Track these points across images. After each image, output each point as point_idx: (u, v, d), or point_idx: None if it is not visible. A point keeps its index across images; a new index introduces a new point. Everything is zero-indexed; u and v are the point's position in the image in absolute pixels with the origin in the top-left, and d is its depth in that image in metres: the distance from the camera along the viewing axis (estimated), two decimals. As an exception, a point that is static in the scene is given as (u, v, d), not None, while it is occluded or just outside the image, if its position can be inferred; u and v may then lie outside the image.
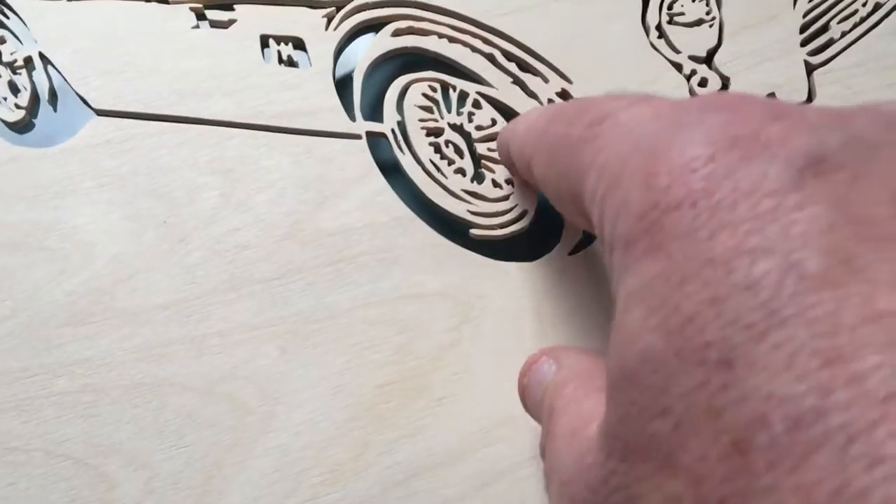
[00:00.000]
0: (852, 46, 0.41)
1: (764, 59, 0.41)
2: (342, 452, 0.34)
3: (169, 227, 0.37)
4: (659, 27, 0.41)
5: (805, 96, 0.40)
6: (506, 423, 0.34)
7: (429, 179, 0.39)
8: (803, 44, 0.41)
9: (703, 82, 0.40)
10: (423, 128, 0.40)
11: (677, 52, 0.41)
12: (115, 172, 0.38)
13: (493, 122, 0.40)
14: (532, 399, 0.30)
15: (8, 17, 0.41)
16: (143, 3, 0.42)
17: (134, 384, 0.35)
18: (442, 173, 0.39)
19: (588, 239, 0.38)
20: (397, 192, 0.38)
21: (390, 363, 0.35)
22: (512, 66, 0.40)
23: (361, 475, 0.33)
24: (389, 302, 0.36)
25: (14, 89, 0.40)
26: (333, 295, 0.36)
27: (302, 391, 0.35)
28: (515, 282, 0.37)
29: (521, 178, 0.38)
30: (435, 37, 0.41)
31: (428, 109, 0.40)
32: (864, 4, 0.42)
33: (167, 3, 0.42)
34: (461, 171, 0.39)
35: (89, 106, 0.39)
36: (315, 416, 0.34)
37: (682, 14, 0.41)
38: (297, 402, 0.34)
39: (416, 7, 0.42)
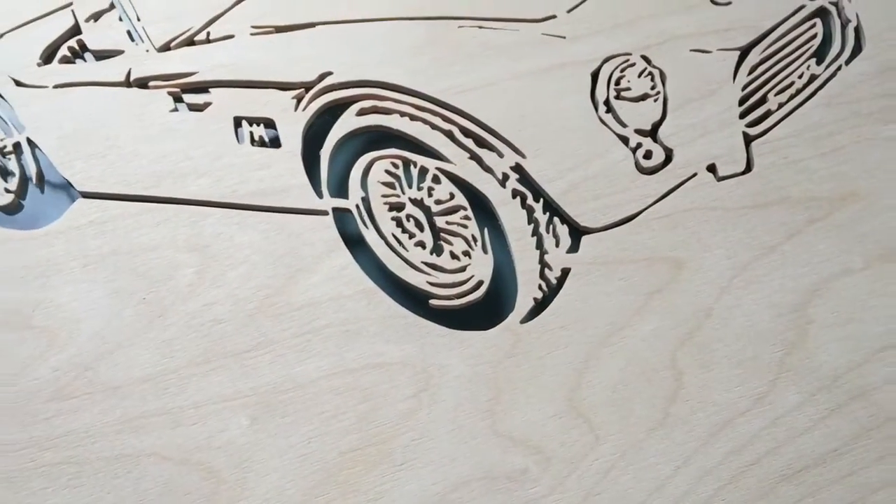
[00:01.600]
0: (788, 117, 0.43)
1: (705, 131, 0.42)
2: (310, 517, 0.35)
3: (148, 304, 0.39)
4: (607, 102, 0.43)
5: (744, 166, 0.42)
6: (461, 487, 0.36)
7: (391, 252, 0.40)
8: (742, 116, 0.43)
9: (647, 154, 0.41)
10: (385, 203, 0.41)
11: (624, 125, 0.42)
12: (98, 252, 0.40)
13: (452, 196, 0.41)
14: None
15: (-2, 105, 0.43)
16: (124, 88, 0.43)
17: (115, 456, 0.36)
18: (403, 246, 0.40)
19: (539, 308, 0.39)
20: (361, 266, 0.40)
21: (354, 431, 0.36)
22: (469, 142, 0.42)
23: (327, 539, 0.35)
24: (353, 372, 0.37)
25: (4, 174, 0.41)
26: (301, 366, 0.38)
27: (271, 459, 0.36)
28: (472, 350, 0.38)
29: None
30: (397, 115, 0.42)
31: (390, 185, 0.41)
32: (800, 76, 0.44)
33: (146, 87, 0.43)
34: (421, 244, 0.40)
35: (74, 188, 0.41)
36: (283, 482, 0.36)
37: (628, 89, 0.43)
38: (267, 470, 0.36)
39: (379, 87, 0.43)
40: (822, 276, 0.39)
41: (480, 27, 0.44)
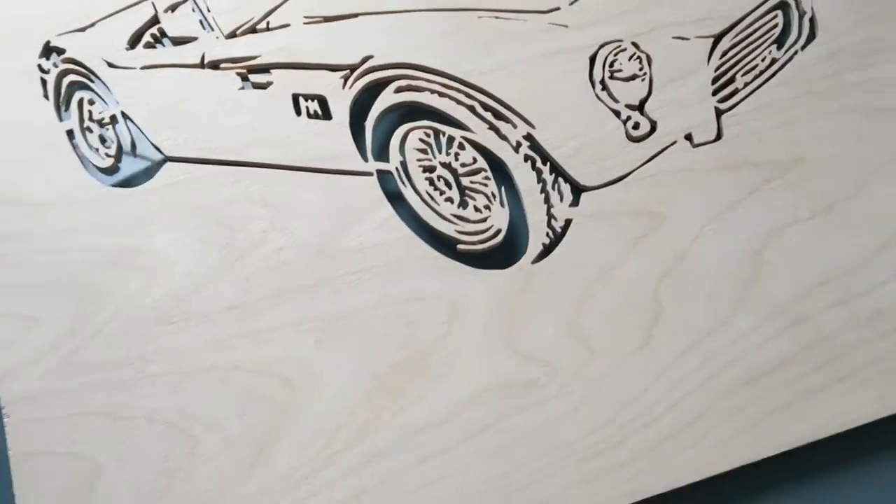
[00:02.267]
0: (752, 95, 0.51)
1: (683, 106, 0.50)
2: (365, 415, 0.44)
3: (229, 248, 0.47)
4: (602, 81, 0.51)
5: (714, 135, 0.50)
6: (485, 392, 0.44)
7: (425, 206, 0.48)
8: (714, 93, 0.51)
9: (636, 126, 0.50)
10: (420, 166, 0.49)
11: (616, 101, 0.50)
12: (186, 206, 0.48)
13: (474, 160, 0.49)
14: None
15: (93, 82, 0.51)
16: (199, 69, 0.51)
17: (207, 367, 0.45)
18: (435, 201, 0.48)
19: (546, 251, 0.47)
20: (401, 217, 0.48)
21: (399, 349, 0.45)
22: (488, 115, 0.50)
23: (380, 432, 0.43)
24: (397, 302, 0.46)
25: (104, 141, 0.50)
26: (355, 297, 0.46)
27: (334, 371, 0.45)
28: (492, 285, 0.46)
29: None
30: (428, 92, 0.50)
31: (423, 151, 0.49)
32: (763, 60, 0.52)
33: (218, 68, 0.51)
34: (450, 200, 0.49)
35: (162, 153, 0.49)
36: (343, 389, 0.44)
37: (620, 71, 0.51)
38: (330, 381, 0.44)
39: (413, 69, 0.51)
40: (776, 225, 0.48)
41: (497, 17, 0.52)
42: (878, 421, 0.44)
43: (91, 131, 0.50)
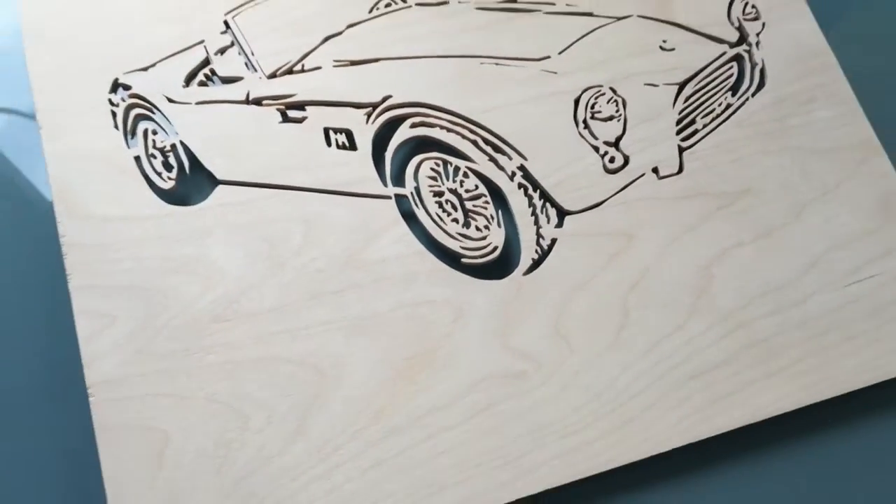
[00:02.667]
0: (709, 135, 0.60)
1: (651, 143, 0.59)
2: (384, 399, 0.53)
3: (272, 259, 0.56)
4: (584, 121, 0.60)
5: (677, 169, 0.59)
6: (482, 381, 0.54)
7: (435, 226, 0.58)
8: (678, 133, 0.60)
9: (612, 160, 0.59)
10: (430, 191, 0.59)
11: (596, 138, 0.59)
12: (236, 223, 0.57)
13: (476, 187, 0.58)
14: None
15: (155, 114, 0.60)
16: (244, 105, 0.60)
17: (255, 358, 0.54)
18: (443, 221, 0.58)
19: (535, 265, 0.57)
20: (415, 234, 0.57)
21: (412, 344, 0.55)
22: (489, 149, 0.59)
23: (396, 413, 0.53)
24: (411, 306, 0.56)
25: (167, 167, 0.59)
26: (377, 301, 0.56)
27: (359, 362, 0.54)
28: (490, 293, 0.56)
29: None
30: (438, 128, 0.59)
31: (434, 178, 0.59)
32: (719, 104, 0.61)
33: (261, 105, 0.60)
34: (456, 220, 0.58)
35: (215, 178, 0.58)
36: (367, 377, 0.54)
37: (599, 112, 0.60)
38: (356, 370, 0.54)
39: (425, 107, 0.60)
40: (724, 246, 0.57)
41: (497, 64, 0.61)
42: (801, 408, 0.54)
43: (155, 157, 0.59)
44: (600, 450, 0.52)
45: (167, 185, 0.58)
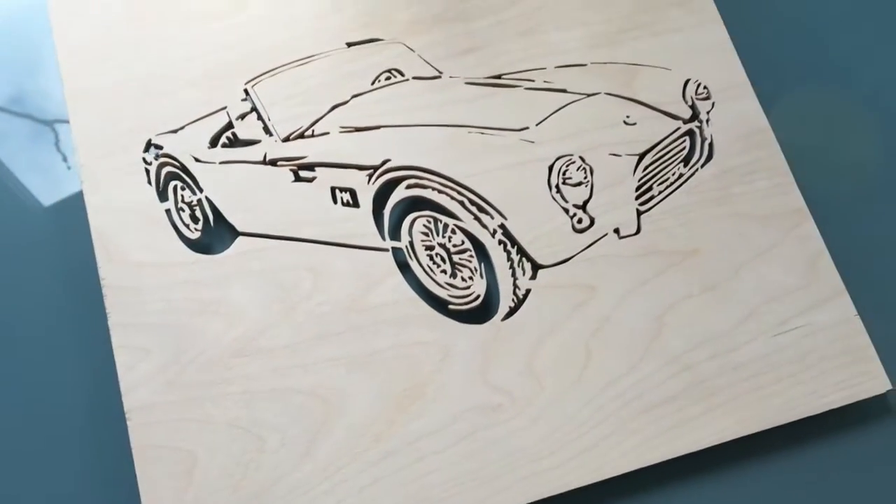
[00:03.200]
0: (664, 200, 0.69)
1: (614, 207, 0.68)
2: (381, 426, 0.62)
3: (285, 302, 0.65)
4: (557, 186, 0.69)
5: (635, 230, 0.68)
6: (464, 412, 0.62)
7: (426, 276, 0.66)
8: (637, 198, 0.69)
9: (580, 221, 0.68)
10: (423, 245, 0.67)
11: (566, 201, 0.68)
12: (254, 269, 0.65)
13: (462, 243, 0.67)
14: None
15: (184, 172, 0.68)
16: (262, 165, 0.69)
17: (271, 389, 0.63)
18: (434, 272, 0.66)
19: (512, 312, 0.66)
20: (409, 284, 0.66)
21: (405, 379, 0.63)
22: (474, 209, 0.67)
23: (391, 438, 0.62)
24: (405, 346, 0.64)
25: (194, 219, 0.67)
26: (375, 341, 0.64)
27: (359, 394, 0.63)
28: (472, 335, 0.65)
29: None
30: (430, 189, 0.68)
31: (426, 234, 0.67)
32: (673, 174, 0.70)
33: (276, 165, 0.69)
34: (444, 272, 0.67)
35: (236, 230, 0.67)
36: (366, 407, 0.62)
37: (570, 178, 0.69)
38: (357, 400, 0.63)
39: (420, 170, 0.68)
40: (675, 298, 0.66)
41: (482, 133, 0.69)
42: (736, 439, 0.63)
43: (183, 211, 0.67)
44: (564, 473, 0.61)
45: (194, 235, 0.67)
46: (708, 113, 0.72)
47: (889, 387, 0.64)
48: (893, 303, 0.69)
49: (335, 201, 0.67)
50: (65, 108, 0.68)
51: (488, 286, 0.66)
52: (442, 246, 0.67)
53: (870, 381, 0.65)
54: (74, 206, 0.67)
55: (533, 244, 0.67)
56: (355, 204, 0.67)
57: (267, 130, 0.69)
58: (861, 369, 0.65)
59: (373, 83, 0.71)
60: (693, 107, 0.72)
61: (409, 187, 0.67)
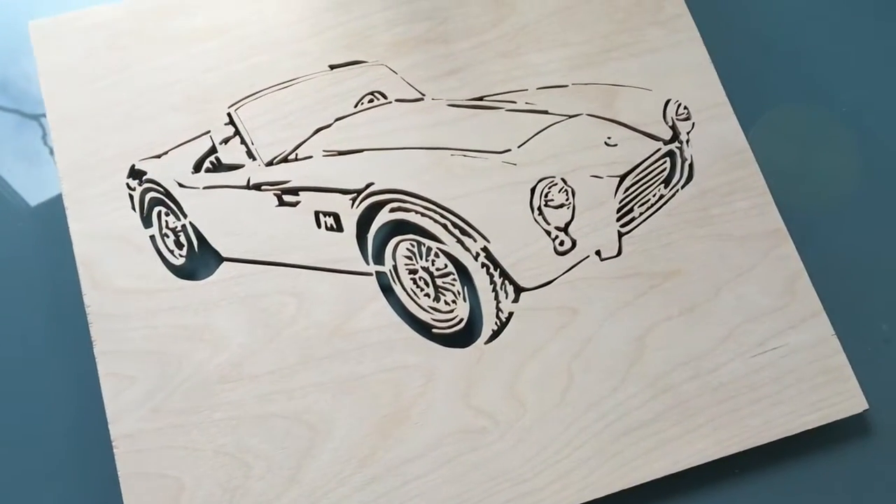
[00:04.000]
0: (645, 222, 0.70)
1: (595, 229, 0.69)
2: (366, 451, 0.62)
3: (269, 327, 0.65)
4: (539, 208, 0.69)
5: (616, 252, 0.69)
6: (448, 435, 0.63)
7: (410, 299, 0.67)
8: (618, 220, 0.69)
9: (561, 243, 0.68)
10: (406, 268, 0.67)
11: (548, 224, 0.68)
12: (238, 295, 0.66)
13: (446, 266, 0.67)
14: None
15: (168, 197, 0.68)
16: (245, 190, 0.69)
17: (255, 415, 0.63)
18: (417, 296, 0.67)
19: (495, 335, 0.66)
20: (392, 308, 0.66)
21: (389, 403, 0.64)
22: (456, 231, 0.68)
23: (375, 462, 0.62)
24: (389, 370, 0.65)
25: (179, 245, 0.67)
26: (359, 366, 0.64)
27: (344, 419, 0.63)
28: (456, 359, 0.65)
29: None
30: (413, 212, 0.68)
31: (409, 258, 0.68)
32: (654, 195, 0.71)
33: (260, 189, 0.69)
34: (428, 295, 0.67)
35: (221, 255, 0.67)
36: (351, 432, 0.63)
37: (552, 200, 0.69)
38: (341, 425, 0.63)
39: (403, 194, 0.68)
40: (655, 320, 0.67)
41: (465, 156, 0.70)
42: (715, 461, 0.64)
43: (168, 237, 0.67)
44: (546, 496, 0.62)
45: (178, 261, 0.67)
46: (688, 133, 0.72)
47: (866, 406, 0.65)
48: (870, 322, 0.70)
49: (319, 226, 0.67)
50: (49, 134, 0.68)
51: (471, 309, 0.66)
52: (425, 270, 0.67)
53: (847, 400, 0.65)
54: (60, 233, 0.66)
55: (515, 267, 0.67)
56: (339, 228, 0.67)
57: (250, 155, 0.69)
58: (838, 389, 0.66)
59: (356, 106, 0.71)
60: (674, 127, 0.72)
61: (392, 211, 0.68)
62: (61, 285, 0.67)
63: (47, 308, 0.67)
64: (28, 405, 0.65)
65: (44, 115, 0.71)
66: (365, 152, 0.70)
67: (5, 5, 0.76)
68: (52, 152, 0.71)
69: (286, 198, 0.68)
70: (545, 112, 0.72)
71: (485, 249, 0.67)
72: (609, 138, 0.71)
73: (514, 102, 0.73)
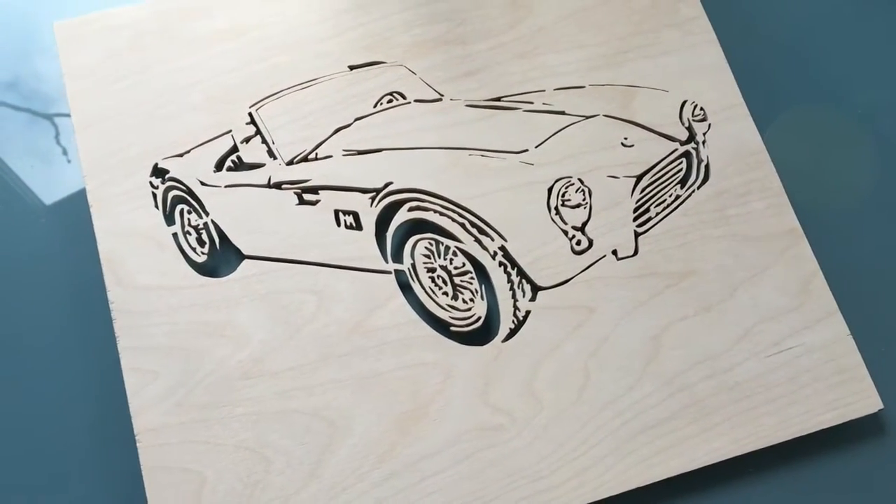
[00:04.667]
0: (661, 222, 0.70)
1: (612, 229, 0.69)
2: (384, 447, 0.63)
3: (290, 324, 0.66)
4: (556, 208, 0.69)
5: (633, 251, 0.69)
6: (466, 432, 0.63)
7: (428, 298, 0.67)
8: (634, 220, 0.69)
9: (578, 242, 0.69)
10: (425, 267, 0.68)
11: (565, 223, 0.69)
12: (259, 293, 0.66)
13: (463, 265, 0.68)
14: None
15: (190, 196, 0.69)
16: (266, 188, 0.69)
17: (276, 411, 0.64)
18: (436, 294, 0.67)
19: (512, 333, 0.66)
20: (411, 305, 0.67)
21: (408, 400, 0.64)
22: (474, 231, 0.68)
23: (394, 458, 0.63)
24: (407, 367, 0.65)
25: (201, 243, 0.68)
26: (378, 363, 0.65)
27: (363, 415, 0.64)
28: (473, 356, 0.66)
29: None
30: (432, 212, 0.68)
31: (428, 256, 0.68)
32: (670, 195, 0.71)
33: (280, 188, 0.69)
34: (446, 294, 0.67)
35: (242, 253, 0.67)
36: (370, 428, 0.63)
37: (569, 200, 0.69)
38: (361, 421, 0.63)
39: (421, 193, 0.69)
40: (671, 319, 0.67)
41: (483, 155, 0.70)
42: (730, 459, 0.64)
43: (190, 234, 0.68)
44: (562, 493, 0.62)
45: (200, 259, 0.67)
46: (704, 134, 0.72)
47: (881, 406, 0.65)
48: (885, 322, 0.70)
49: (339, 224, 0.68)
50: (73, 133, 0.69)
51: (489, 308, 0.66)
52: (443, 268, 0.67)
53: (862, 400, 0.66)
54: (84, 229, 0.67)
55: (533, 266, 0.67)
56: (358, 227, 0.68)
57: (271, 154, 0.70)
58: (853, 388, 0.66)
59: (375, 106, 0.72)
60: (690, 128, 0.72)
61: (411, 210, 0.68)
62: (85, 282, 0.67)
63: (72, 304, 0.68)
64: (53, 400, 0.66)
65: (65, 115, 0.71)
66: (384, 152, 0.70)
67: (23, 5, 0.77)
68: (72, 151, 0.71)
69: (306, 196, 0.69)
70: (562, 113, 0.73)
71: (502, 248, 0.67)
72: (626, 139, 0.71)
73: (532, 103, 0.73)
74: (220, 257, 0.67)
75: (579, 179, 0.70)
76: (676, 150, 0.72)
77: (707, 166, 0.72)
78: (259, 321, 0.65)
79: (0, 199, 0.71)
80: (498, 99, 0.73)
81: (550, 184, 0.69)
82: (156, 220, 0.68)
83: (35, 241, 0.70)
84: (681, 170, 0.71)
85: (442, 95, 0.73)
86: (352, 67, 0.73)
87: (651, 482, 0.63)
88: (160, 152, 0.69)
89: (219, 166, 0.69)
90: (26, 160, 0.73)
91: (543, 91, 0.73)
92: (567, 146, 0.71)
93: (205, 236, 0.68)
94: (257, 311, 0.66)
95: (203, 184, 0.69)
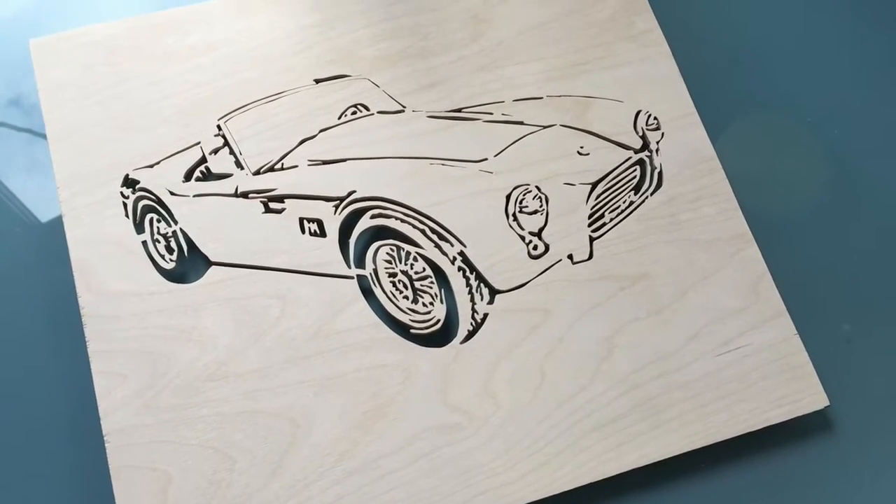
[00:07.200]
0: (615, 227, 0.72)
1: (568, 234, 0.71)
2: (345, 445, 0.64)
3: (255, 328, 0.67)
4: (514, 214, 0.71)
5: (587, 256, 0.71)
6: (425, 431, 0.65)
7: (389, 302, 0.69)
8: (589, 225, 0.71)
9: (535, 247, 0.70)
10: (386, 272, 0.70)
11: (522, 229, 0.70)
12: (225, 298, 0.68)
13: (424, 269, 0.70)
14: None
15: (159, 205, 0.70)
16: (233, 198, 0.71)
17: (240, 412, 0.65)
18: (396, 298, 0.69)
19: (470, 335, 0.68)
20: (373, 309, 0.68)
21: (369, 400, 0.66)
22: (434, 237, 0.70)
23: (355, 457, 0.64)
24: (368, 368, 0.67)
25: (170, 250, 0.69)
26: (341, 364, 0.66)
27: (326, 415, 0.65)
28: (433, 357, 0.67)
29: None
30: (393, 219, 0.70)
31: (389, 262, 0.70)
32: (624, 201, 0.73)
33: (247, 197, 0.71)
34: (406, 297, 0.69)
35: (209, 260, 0.69)
36: (331, 427, 0.65)
37: (526, 207, 0.71)
38: (323, 420, 0.65)
39: (383, 201, 0.71)
40: (624, 321, 0.69)
41: (443, 164, 0.72)
42: (682, 455, 0.65)
43: (159, 242, 0.70)
44: (519, 488, 0.64)
45: (169, 265, 0.69)
46: (658, 143, 0.74)
47: (827, 403, 0.67)
48: (831, 322, 0.72)
49: (303, 231, 0.70)
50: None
51: (448, 311, 0.68)
52: (404, 273, 0.69)
53: (809, 397, 0.67)
54: (58, 238, 0.69)
55: (491, 270, 0.69)
56: (322, 234, 0.70)
57: (238, 164, 0.71)
58: (801, 386, 0.67)
59: (339, 118, 0.74)
60: (644, 137, 0.74)
61: (373, 217, 0.70)
62: (58, 289, 0.69)
63: (45, 310, 0.70)
64: (25, 402, 0.67)
65: (41, 129, 0.73)
66: (348, 161, 0.72)
67: (8, 24, 0.79)
68: (47, 163, 0.73)
69: (272, 205, 0.70)
70: (521, 123, 0.74)
71: (461, 254, 0.69)
72: (582, 147, 0.73)
73: (491, 114, 0.75)
74: (188, 264, 0.69)
75: (536, 187, 0.71)
76: (631, 157, 0.73)
77: (660, 173, 0.73)
78: (225, 325, 0.67)
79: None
80: (458, 110, 0.75)
81: (509, 191, 0.71)
82: (126, 228, 0.69)
83: (10, 250, 0.72)
84: (635, 177, 0.73)
85: (404, 107, 0.75)
86: (317, 81, 0.75)
87: (605, 477, 0.64)
88: (131, 163, 0.71)
89: (188, 176, 0.71)
90: (2, 171, 0.75)
91: (503, 102, 0.75)
92: (525, 155, 0.73)
93: (173, 244, 0.69)
94: (223, 316, 0.67)
95: (172, 193, 0.70)
